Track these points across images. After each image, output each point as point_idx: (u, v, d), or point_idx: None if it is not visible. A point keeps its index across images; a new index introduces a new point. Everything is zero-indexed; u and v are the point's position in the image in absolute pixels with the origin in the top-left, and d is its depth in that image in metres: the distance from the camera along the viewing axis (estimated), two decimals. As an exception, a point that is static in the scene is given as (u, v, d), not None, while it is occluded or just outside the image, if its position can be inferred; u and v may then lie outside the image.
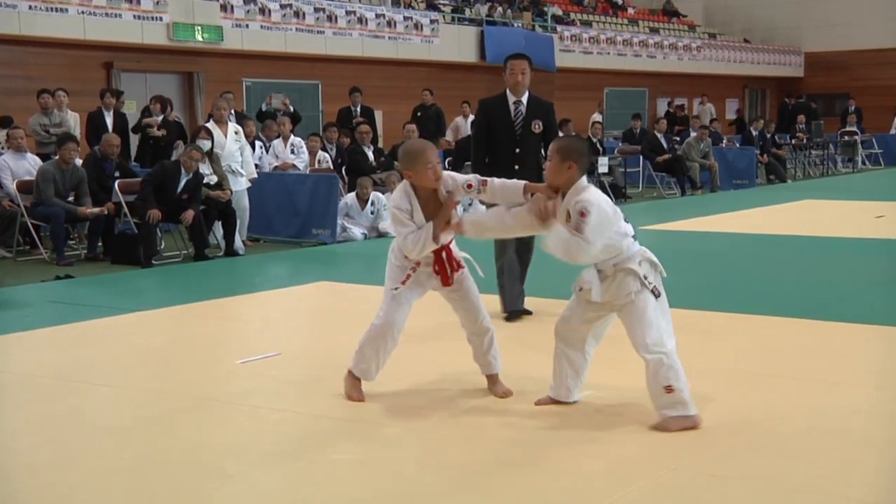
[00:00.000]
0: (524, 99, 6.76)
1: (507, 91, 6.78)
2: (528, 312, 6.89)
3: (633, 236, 4.57)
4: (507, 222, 4.78)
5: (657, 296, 4.54)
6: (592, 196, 4.46)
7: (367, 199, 11.68)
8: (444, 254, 4.83)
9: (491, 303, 7.34)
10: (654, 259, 4.58)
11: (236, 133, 11.23)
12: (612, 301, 4.56)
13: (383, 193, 11.95)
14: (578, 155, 4.53)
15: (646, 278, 4.50)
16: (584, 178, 4.54)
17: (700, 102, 25.77)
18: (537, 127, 6.74)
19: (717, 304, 7.28)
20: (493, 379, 5.07)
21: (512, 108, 6.75)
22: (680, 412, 4.46)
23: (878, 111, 25.68)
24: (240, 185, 11.17)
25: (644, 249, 4.60)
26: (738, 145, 20.21)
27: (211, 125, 11.12)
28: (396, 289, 4.86)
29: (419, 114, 16.60)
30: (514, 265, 6.85)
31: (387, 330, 4.88)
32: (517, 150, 6.72)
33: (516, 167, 6.60)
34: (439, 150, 16.15)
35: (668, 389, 4.43)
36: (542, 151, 6.76)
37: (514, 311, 6.84)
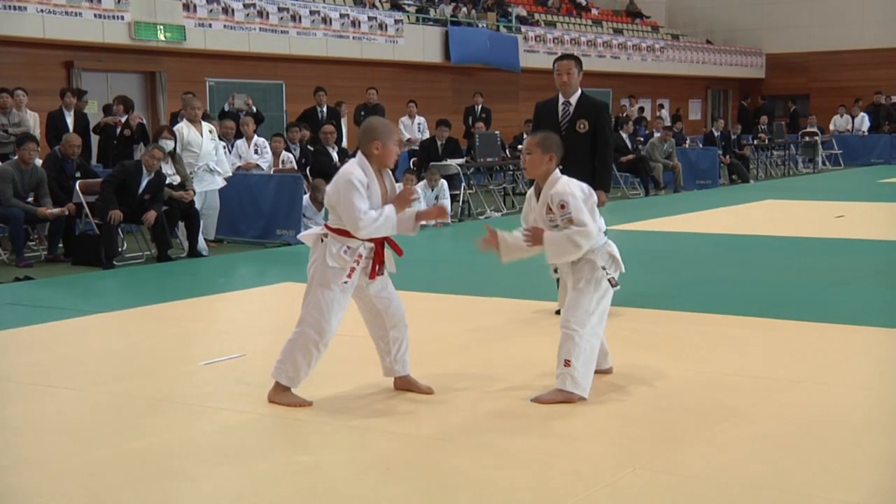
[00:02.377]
0: (573, 99, 6.74)
1: (559, 93, 6.78)
2: None
3: (604, 231, 5.00)
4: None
5: (615, 286, 4.93)
6: (566, 186, 4.90)
7: (322, 202, 11.64)
8: (386, 244, 4.86)
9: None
10: (616, 254, 4.97)
11: (210, 132, 11.16)
12: (572, 285, 4.97)
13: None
14: (557, 148, 5.02)
15: (604, 269, 4.89)
16: (558, 170, 4.99)
17: (629, 103, 25.89)
18: (582, 127, 6.68)
19: (679, 304, 7.33)
20: (409, 380, 5.05)
21: (560, 108, 6.75)
22: (567, 387, 4.80)
23: (836, 112, 25.98)
24: (216, 185, 11.12)
25: (609, 243, 4.99)
26: (701, 146, 20.38)
27: (185, 124, 11.04)
28: (346, 282, 4.78)
29: (363, 113, 16.38)
30: None
31: (321, 339, 4.79)
32: None
33: (560, 168, 6.56)
34: (401, 150, 16.14)
35: (566, 363, 4.81)
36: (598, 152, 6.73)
37: None
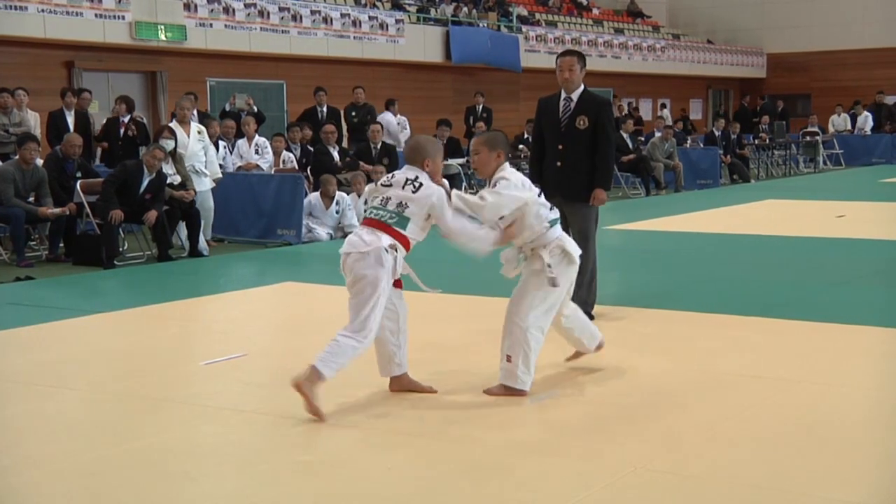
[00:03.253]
0: (574, 95, 6.72)
1: (562, 89, 6.78)
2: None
3: (552, 221, 5.05)
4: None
5: (554, 286, 4.97)
6: (509, 174, 4.99)
7: (333, 198, 11.65)
8: None
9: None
10: (569, 248, 5.04)
11: (199, 133, 11.15)
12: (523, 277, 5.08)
13: (348, 194, 11.93)
14: (504, 145, 5.12)
15: (549, 266, 4.95)
16: (507, 164, 5.09)
17: (628, 105, 25.84)
18: (582, 123, 6.65)
19: (680, 304, 7.33)
20: (409, 378, 5.02)
21: (561, 104, 6.74)
22: (508, 383, 4.92)
23: (834, 112, 25.95)
24: (204, 186, 11.08)
25: (562, 236, 5.08)
26: (702, 145, 20.38)
27: (174, 125, 11.03)
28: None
29: (353, 114, 16.27)
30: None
31: (369, 346, 4.77)
32: (560, 147, 6.70)
33: (558, 163, 6.66)
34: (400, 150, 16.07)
35: (507, 359, 4.92)
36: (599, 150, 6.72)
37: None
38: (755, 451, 4.18)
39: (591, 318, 6.68)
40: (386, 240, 4.73)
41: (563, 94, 6.75)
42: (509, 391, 4.93)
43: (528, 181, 5.07)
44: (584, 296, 6.65)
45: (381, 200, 4.83)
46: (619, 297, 7.48)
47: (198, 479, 4.02)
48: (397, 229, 4.76)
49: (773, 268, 9.11)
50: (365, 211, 4.98)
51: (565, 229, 6.58)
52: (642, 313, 7.03)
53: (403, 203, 4.77)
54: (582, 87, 6.74)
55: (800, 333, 6.40)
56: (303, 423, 4.65)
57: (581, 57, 6.77)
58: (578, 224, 6.65)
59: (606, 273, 8.37)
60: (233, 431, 4.59)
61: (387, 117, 16.57)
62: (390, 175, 4.96)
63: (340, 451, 4.30)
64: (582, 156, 6.67)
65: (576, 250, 5.08)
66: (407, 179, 4.82)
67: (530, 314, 4.90)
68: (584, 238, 6.62)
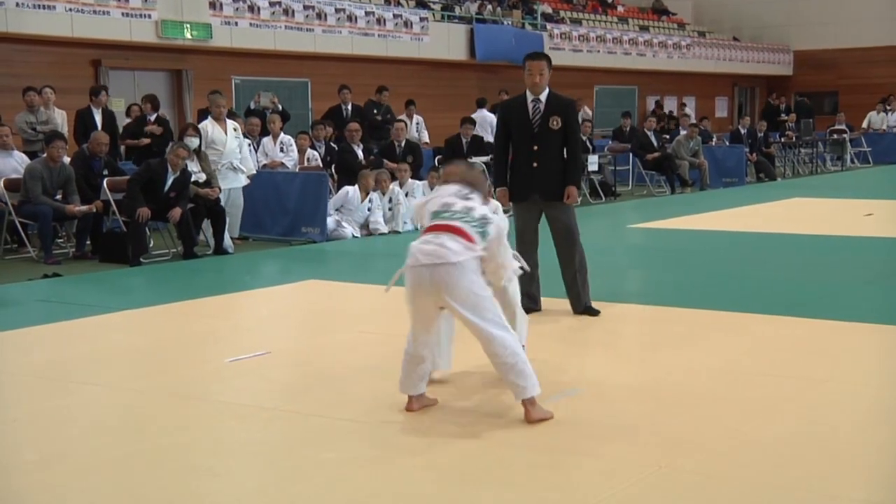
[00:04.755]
0: (543, 97, 6.74)
1: (527, 91, 6.79)
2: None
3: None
4: None
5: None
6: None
7: (368, 193, 11.71)
8: None
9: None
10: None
11: (235, 130, 11.23)
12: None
13: (374, 190, 11.96)
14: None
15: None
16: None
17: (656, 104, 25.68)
18: (555, 123, 6.70)
19: (706, 302, 7.29)
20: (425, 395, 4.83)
21: (530, 106, 6.75)
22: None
23: (865, 109, 25.72)
24: (239, 182, 11.17)
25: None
26: (727, 143, 20.26)
27: (210, 122, 11.10)
28: None
29: (375, 111, 16.21)
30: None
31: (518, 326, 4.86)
32: (535, 148, 6.74)
33: (535, 164, 6.71)
34: (425, 149, 16.09)
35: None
36: (565, 150, 6.78)
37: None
38: (779, 451, 4.15)
39: (595, 312, 6.74)
40: (474, 248, 4.52)
41: (531, 97, 6.77)
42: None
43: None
44: (579, 291, 6.81)
45: (463, 209, 4.62)
46: (642, 295, 7.45)
47: (222, 476, 4.03)
48: (475, 239, 4.54)
49: (799, 266, 9.05)
50: (433, 216, 4.65)
51: (533, 230, 6.80)
52: (666, 311, 7.00)
53: (487, 218, 4.63)
54: (547, 88, 6.80)
55: (825, 333, 6.35)
56: (325, 420, 4.66)
57: (549, 60, 6.83)
58: (563, 222, 6.82)
59: (630, 271, 8.35)
60: (257, 428, 4.61)
61: (483, 113, 16.91)
62: (465, 194, 4.73)
63: (363, 448, 4.30)
64: (557, 155, 6.76)
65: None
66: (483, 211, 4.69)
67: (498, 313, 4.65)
68: (571, 234, 6.82)
